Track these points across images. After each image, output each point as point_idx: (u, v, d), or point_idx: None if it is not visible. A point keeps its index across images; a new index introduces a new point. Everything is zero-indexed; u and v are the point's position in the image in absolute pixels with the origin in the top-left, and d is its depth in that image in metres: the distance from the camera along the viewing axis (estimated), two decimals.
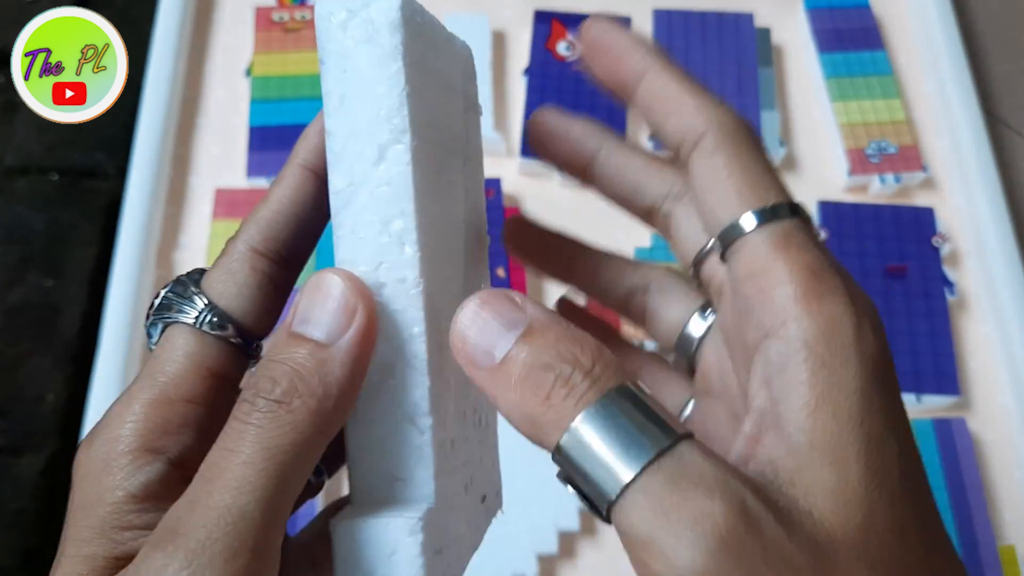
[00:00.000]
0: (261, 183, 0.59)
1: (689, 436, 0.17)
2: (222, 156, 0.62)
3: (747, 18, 0.66)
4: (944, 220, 0.60)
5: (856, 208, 0.59)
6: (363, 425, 0.21)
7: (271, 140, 0.61)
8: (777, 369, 0.18)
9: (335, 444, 0.20)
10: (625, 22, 0.66)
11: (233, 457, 0.18)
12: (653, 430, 0.17)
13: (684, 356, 0.22)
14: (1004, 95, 0.69)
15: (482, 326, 0.18)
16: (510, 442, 0.54)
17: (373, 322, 0.20)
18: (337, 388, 0.19)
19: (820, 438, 0.17)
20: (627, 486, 0.16)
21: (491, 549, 0.48)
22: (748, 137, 0.20)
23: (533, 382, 0.17)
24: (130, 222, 0.57)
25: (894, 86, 0.64)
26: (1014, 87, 0.69)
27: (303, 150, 0.22)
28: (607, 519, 0.17)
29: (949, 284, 0.57)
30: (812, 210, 0.59)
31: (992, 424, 0.55)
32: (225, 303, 0.21)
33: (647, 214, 0.24)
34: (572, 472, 0.17)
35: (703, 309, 0.22)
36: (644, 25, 0.67)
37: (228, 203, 0.58)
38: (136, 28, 0.68)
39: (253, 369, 0.22)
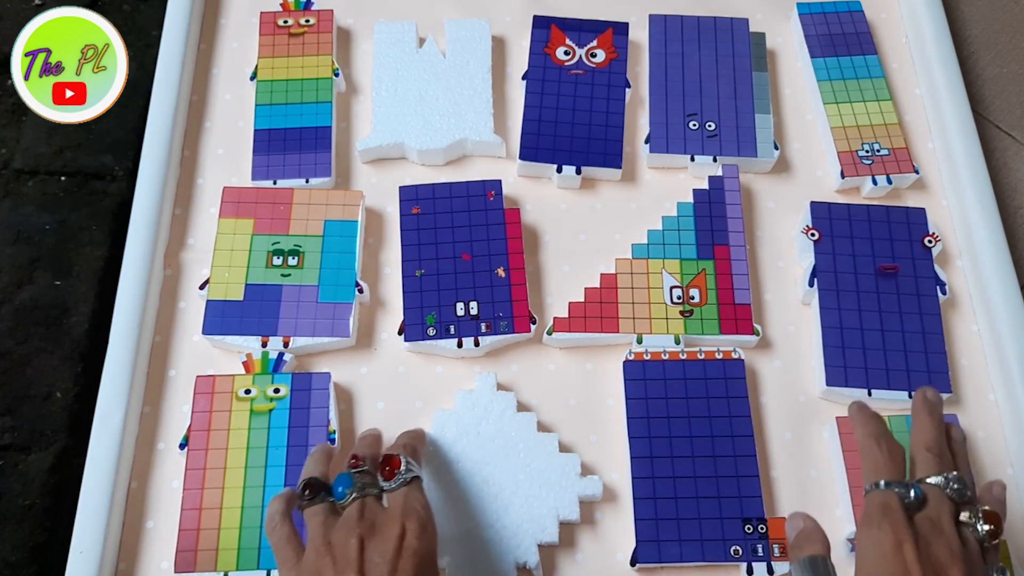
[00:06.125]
0: (265, 185, 0.60)
1: None
2: (228, 158, 0.63)
3: (742, 23, 0.67)
4: (935, 220, 0.61)
5: (848, 208, 0.60)
6: None
7: (275, 143, 0.62)
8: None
9: None
10: (622, 27, 0.67)
11: None
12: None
13: None
14: (994, 98, 0.70)
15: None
16: (514, 435, 0.55)
17: None
18: None
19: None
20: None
21: (493, 538, 0.49)
22: None
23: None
24: (138, 222, 0.58)
25: (886, 89, 0.65)
26: (1004, 90, 0.70)
27: None
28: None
29: (941, 283, 0.58)
30: (804, 211, 0.60)
31: (983, 421, 0.56)
32: None
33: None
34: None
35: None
36: (640, 29, 0.68)
37: (234, 203, 0.58)
38: (143, 32, 0.69)
39: None
